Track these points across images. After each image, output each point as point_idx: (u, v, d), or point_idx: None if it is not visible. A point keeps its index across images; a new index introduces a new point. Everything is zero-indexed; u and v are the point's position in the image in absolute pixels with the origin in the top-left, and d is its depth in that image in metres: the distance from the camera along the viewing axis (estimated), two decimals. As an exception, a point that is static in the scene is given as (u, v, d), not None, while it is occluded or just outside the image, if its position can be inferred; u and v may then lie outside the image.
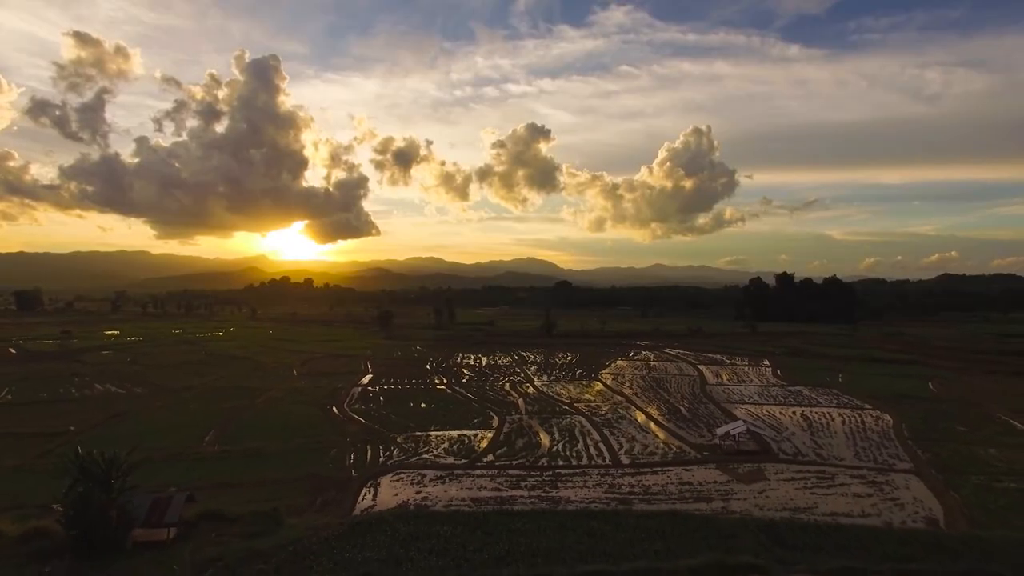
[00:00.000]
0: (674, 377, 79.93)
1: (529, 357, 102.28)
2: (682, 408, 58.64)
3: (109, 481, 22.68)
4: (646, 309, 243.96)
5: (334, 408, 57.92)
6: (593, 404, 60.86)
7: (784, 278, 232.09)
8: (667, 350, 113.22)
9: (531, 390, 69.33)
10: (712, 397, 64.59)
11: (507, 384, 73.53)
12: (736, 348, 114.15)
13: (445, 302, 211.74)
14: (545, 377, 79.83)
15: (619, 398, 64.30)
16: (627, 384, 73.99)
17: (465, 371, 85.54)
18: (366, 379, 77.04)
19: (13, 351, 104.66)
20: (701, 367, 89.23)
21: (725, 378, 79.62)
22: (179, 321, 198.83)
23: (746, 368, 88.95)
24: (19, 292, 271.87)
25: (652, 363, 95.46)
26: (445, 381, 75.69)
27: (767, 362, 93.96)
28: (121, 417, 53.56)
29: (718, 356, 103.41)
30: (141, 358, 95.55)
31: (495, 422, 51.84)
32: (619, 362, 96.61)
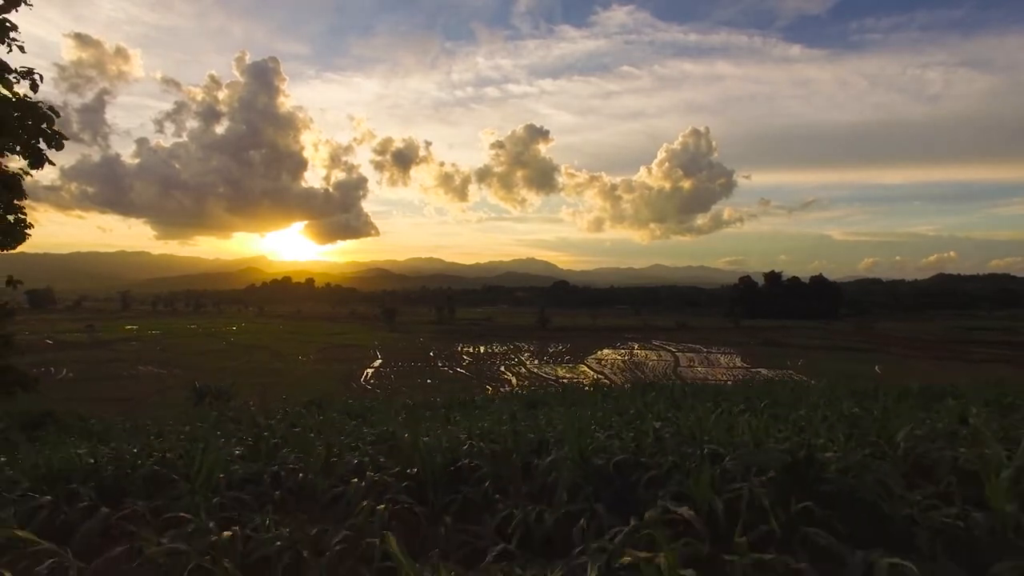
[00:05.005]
0: (652, 362, 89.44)
1: (523, 347, 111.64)
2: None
3: (221, 403, 32.07)
4: (640, 307, 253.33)
5: (352, 383, 67.38)
6: (575, 380, 70.08)
7: (772, 276, 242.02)
8: (652, 341, 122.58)
9: (523, 371, 78.87)
10: (680, 376, 73.85)
11: (502, 367, 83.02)
12: (717, 340, 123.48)
13: (446, 299, 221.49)
14: (536, 362, 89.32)
15: (599, 376, 73.67)
16: (608, 366, 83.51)
17: (465, 357, 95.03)
18: (376, 363, 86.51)
19: (49, 341, 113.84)
20: (679, 354, 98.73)
21: (697, 362, 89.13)
22: (190, 318, 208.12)
23: (719, 356, 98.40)
24: (31, 291, 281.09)
25: (635, 351, 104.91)
26: (447, 364, 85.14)
27: (741, 351, 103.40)
28: (171, 390, 62.87)
29: (697, 346, 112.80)
30: (169, 347, 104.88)
31: (490, 392, 61.04)
32: (605, 351, 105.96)
